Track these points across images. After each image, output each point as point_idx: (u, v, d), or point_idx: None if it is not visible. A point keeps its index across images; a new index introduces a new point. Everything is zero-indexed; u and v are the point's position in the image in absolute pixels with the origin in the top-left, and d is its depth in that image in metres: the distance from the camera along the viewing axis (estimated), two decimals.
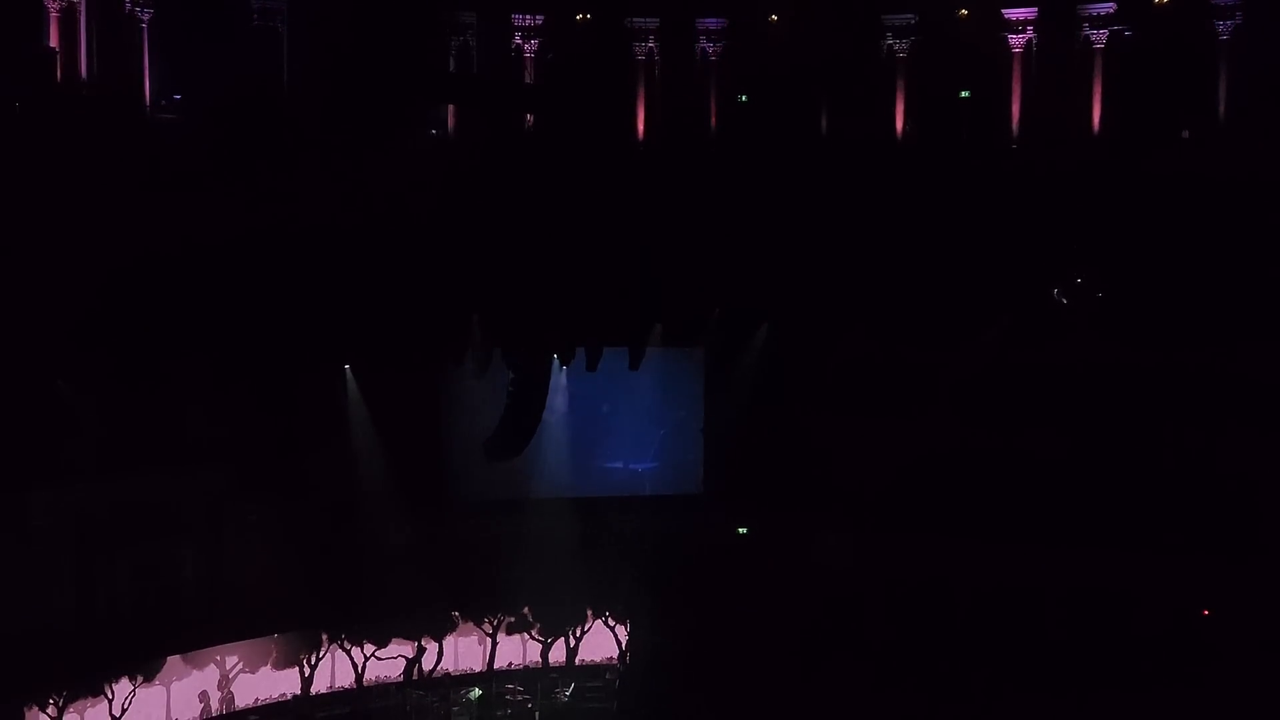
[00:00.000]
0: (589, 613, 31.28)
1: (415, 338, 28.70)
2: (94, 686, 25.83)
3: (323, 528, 29.00)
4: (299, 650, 28.91)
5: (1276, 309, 28.28)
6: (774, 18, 34.00)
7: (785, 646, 29.16)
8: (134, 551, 27.33)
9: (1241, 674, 26.31)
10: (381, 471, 29.55)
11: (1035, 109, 32.74)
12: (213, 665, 28.01)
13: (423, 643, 30.19)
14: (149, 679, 26.68)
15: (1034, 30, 32.74)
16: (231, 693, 28.33)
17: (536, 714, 30.55)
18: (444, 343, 29.44)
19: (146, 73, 31.08)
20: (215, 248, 27.06)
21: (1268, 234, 28.54)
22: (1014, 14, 32.92)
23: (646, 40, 35.22)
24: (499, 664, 31.01)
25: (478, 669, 30.88)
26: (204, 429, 27.97)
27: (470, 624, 30.76)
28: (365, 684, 29.78)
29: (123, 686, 26.25)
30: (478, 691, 30.39)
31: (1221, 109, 31.60)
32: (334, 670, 29.63)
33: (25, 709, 24.80)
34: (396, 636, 29.87)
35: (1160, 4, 31.40)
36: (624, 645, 31.24)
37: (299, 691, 29.12)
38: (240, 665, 28.36)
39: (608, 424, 32.04)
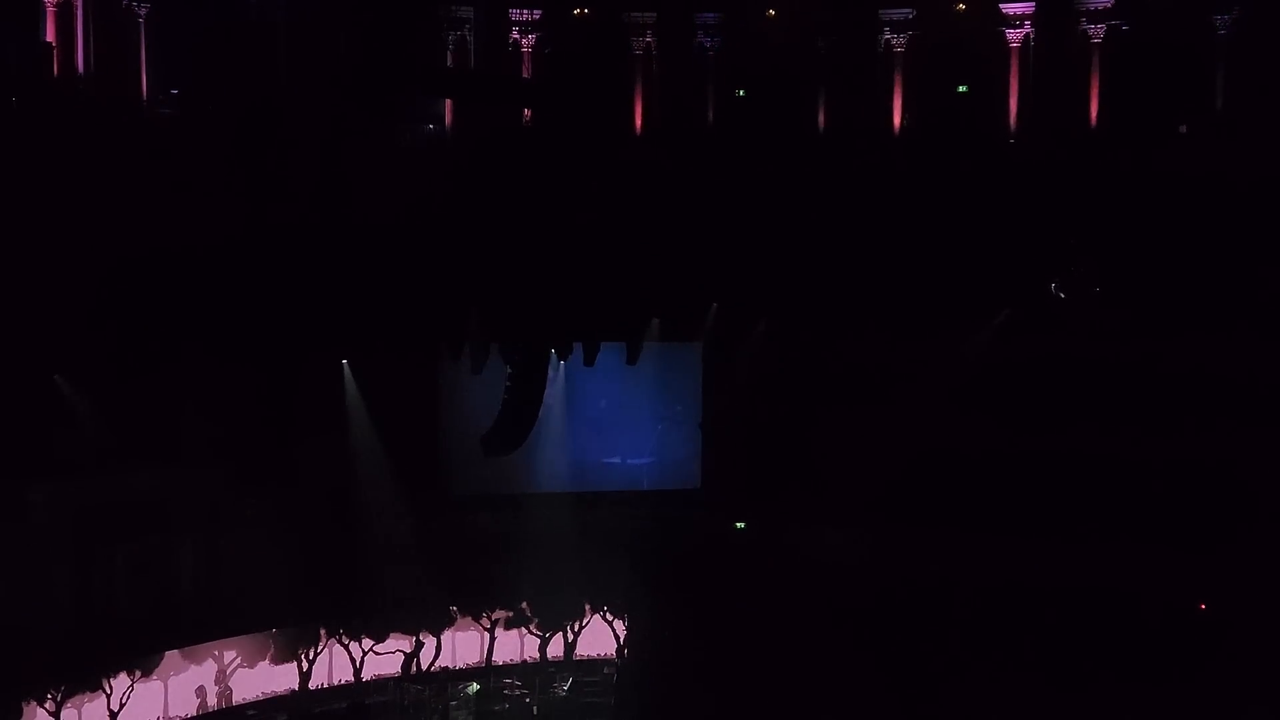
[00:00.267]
0: (587, 607, 31.27)
1: (413, 333, 28.70)
2: (92, 682, 25.82)
3: (321, 524, 28.95)
4: (297, 645, 28.91)
5: (1273, 304, 28.28)
6: (771, 12, 34.01)
7: (783, 641, 29.13)
8: (132, 547, 27.26)
9: (1241, 671, 26.29)
10: (380, 467, 29.57)
11: (1033, 104, 32.77)
12: (211, 660, 28.03)
13: (421, 637, 30.18)
14: (147, 674, 26.65)
15: (1032, 25, 32.80)
16: (229, 688, 28.34)
17: (535, 709, 30.50)
18: (442, 338, 29.43)
19: (143, 67, 31.09)
20: (213, 243, 27.08)
21: (1265, 228, 28.55)
22: (1012, 8, 33.00)
23: (644, 35, 35.25)
24: (497, 659, 31.05)
25: (476, 664, 30.91)
26: (202, 424, 27.86)
27: (468, 619, 30.76)
28: (363, 679, 29.77)
29: (121, 681, 26.24)
30: (476, 686, 30.35)
31: (1219, 104, 31.63)
32: (332, 665, 29.63)
33: (23, 704, 24.79)
34: (395, 631, 29.86)
35: None
36: (622, 640, 31.20)
37: (297, 687, 29.14)
38: (238, 660, 28.37)
39: (605, 419, 32.03)
